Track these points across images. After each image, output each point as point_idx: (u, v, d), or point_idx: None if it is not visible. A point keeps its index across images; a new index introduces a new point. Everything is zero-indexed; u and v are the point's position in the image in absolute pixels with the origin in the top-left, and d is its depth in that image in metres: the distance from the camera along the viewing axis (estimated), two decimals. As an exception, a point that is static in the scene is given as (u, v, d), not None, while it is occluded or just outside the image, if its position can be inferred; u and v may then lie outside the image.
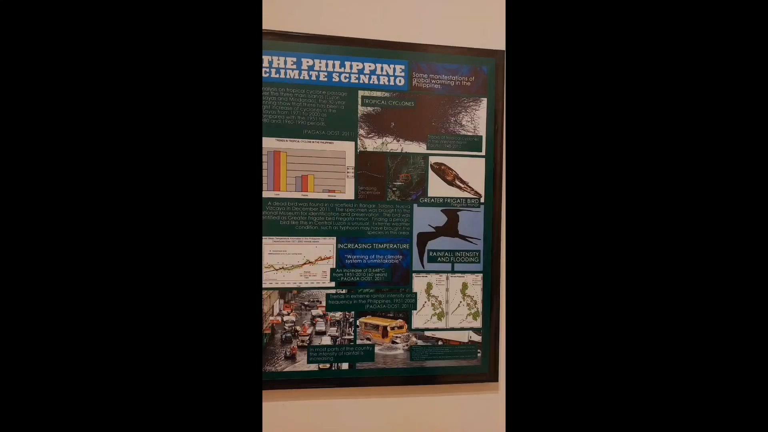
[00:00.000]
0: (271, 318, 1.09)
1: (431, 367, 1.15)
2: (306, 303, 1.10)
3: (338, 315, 1.11)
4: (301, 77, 1.08)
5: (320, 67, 1.09)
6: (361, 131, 1.11)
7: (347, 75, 1.10)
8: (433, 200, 1.14)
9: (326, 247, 1.11)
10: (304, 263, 1.10)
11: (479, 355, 1.17)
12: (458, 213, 1.15)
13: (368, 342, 1.12)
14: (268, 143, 1.08)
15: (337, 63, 1.10)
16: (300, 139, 1.09)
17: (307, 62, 1.09)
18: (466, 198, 1.15)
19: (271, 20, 1.08)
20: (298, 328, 1.10)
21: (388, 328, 1.13)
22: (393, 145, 1.12)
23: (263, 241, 1.08)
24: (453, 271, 1.15)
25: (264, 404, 1.10)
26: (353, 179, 1.11)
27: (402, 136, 1.12)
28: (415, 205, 1.13)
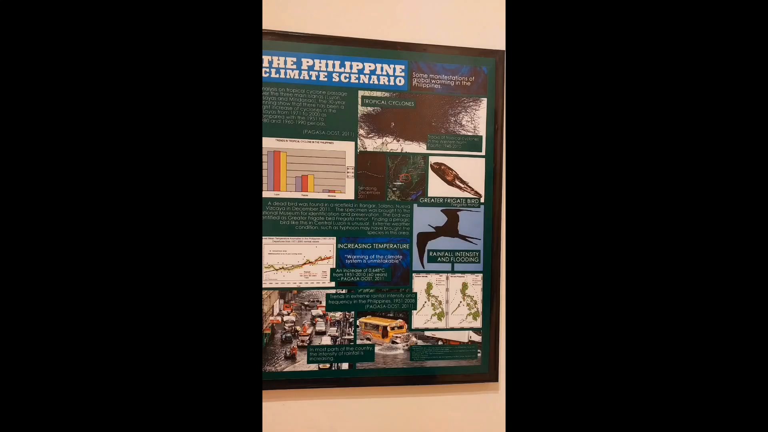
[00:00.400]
0: (271, 318, 1.09)
1: (431, 367, 1.15)
2: (306, 303, 1.10)
3: (338, 315, 1.11)
4: (301, 77, 1.08)
5: (320, 67, 1.09)
6: (361, 131, 1.11)
7: (347, 75, 1.10)
8: (433, 200, 1.14)
9: (326, 247, 1.11)
10: (304, 263, 1.10)
11: (479, 355, 1.17)
12: (458, 213, 1.15)
13: (368, 342, 1.12)
14: (268, 143, 1.08)
15: (337, 63, 1.10)
16: (300, 139, 1.09)
17: (307, 62, 1.09)
18: (466, 198, 1.15)
19: (271, 20, 1.08)
20: (298, 328, 1.10)
21: (388, 328, 1.13)
22: (393, 145, 1.12)
23: (263, 241, 1.08)
24: (453, 271, 1.15)
25: (264, 404, 1.10)
26: (353, 179, 1.11)
27: (402, 136, 1.12)
28: (415, 205, 1.13)
